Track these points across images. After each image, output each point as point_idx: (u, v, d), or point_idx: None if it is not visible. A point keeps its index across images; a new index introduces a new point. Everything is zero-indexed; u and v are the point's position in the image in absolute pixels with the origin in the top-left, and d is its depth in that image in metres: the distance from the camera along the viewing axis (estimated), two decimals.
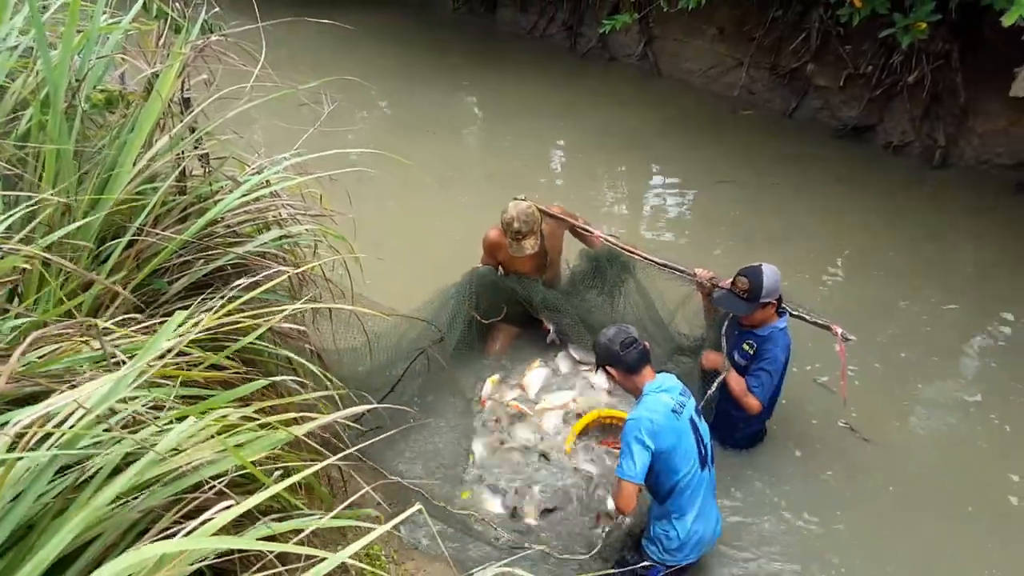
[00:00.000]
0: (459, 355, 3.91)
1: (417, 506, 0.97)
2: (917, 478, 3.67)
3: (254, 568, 0.93)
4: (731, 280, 3.44)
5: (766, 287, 3.27)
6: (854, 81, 7.20)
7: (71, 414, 0.82)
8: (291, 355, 1.77)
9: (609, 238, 3.93)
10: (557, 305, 3.96)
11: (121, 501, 0.92)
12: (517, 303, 4.04)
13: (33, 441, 0.79)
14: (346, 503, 0.98)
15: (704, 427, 2.97)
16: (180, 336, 0.90)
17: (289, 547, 0.75)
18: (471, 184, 6.30)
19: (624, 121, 7.74)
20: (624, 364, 2.93)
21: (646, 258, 3.83)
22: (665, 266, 3.76)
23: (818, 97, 7.56)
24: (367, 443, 1.13)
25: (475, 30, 10.43)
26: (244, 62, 1.78)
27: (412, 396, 3.61)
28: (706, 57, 8.43)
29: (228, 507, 0.80)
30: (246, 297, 1.40)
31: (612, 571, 2.98)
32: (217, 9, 1.74)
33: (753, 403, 3.38)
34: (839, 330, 3.40)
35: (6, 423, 0.75)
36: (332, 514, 0.89)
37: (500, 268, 4.07)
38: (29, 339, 0.81)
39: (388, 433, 1.23)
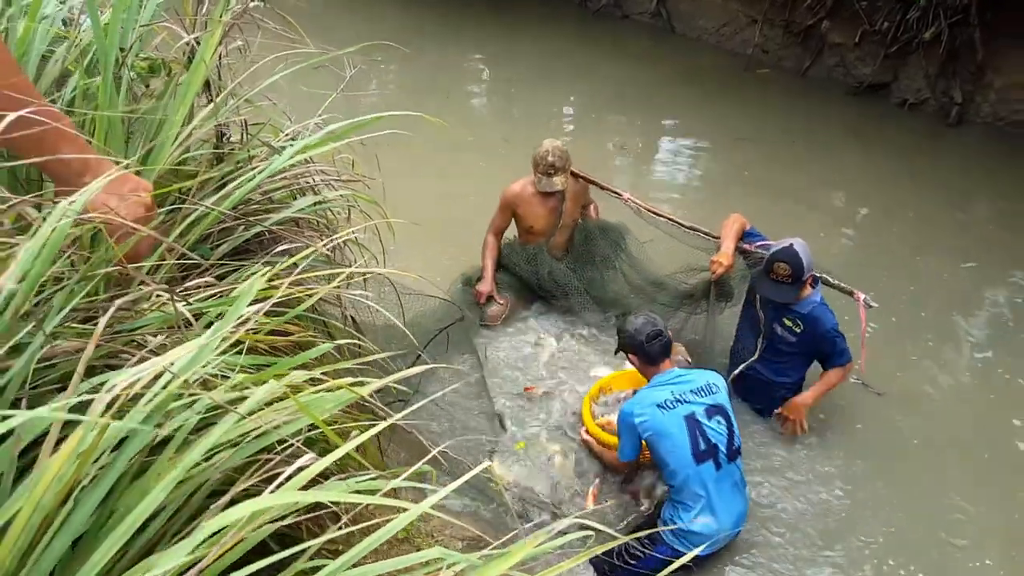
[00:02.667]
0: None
1: (486, 463, 0.99)
2: (932, 430, 3.72)
3: (323, 530, 0.96)
4: (762, 259, 3.42)
5: (806, 264, 3.24)
6: (869, 38, 7.10)
7: (157, 378, 0.84)
8: (329, 323, 1.79)
9: (635, 200, 3.92)
10: (564, 279, 3.97)
11: (201, 464, 0.94)
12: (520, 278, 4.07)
13: (117, 406, 0.81)
14: (412, 469, 1.00)
15: (715, 426, 2.90)
16: (259, 303, 0.92)
17: (377, 499, 0.78)
18: (486, 146, 6.26)
19: (638, 79, 7.65)
20: (645, 355, 3.04)
21: (672, 219, 3.81)
22: (692, 228, 3.75)
23: (833, 55, 7.46)
24: (410, 409, 1.15)
25: None
26: (279, 28, 1.78)
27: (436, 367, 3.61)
28: (720, 14, 8.30)
29: (307, 466, 0.83)
30: (288, 262, 1.42)
31: (616, 535, 3.04)
32: None
33: (847, 368, 3.45)
34: (862, 296, 3.38)
35: (102, 384, 0.78)
36: (406, 474, 0.91)
37: (514, 221, 4.09)
38: (113, 307, 0.83)
39: (423, 401, 1.25)
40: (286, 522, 0.95)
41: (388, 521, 0.86)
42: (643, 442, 2.95)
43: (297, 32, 1.72)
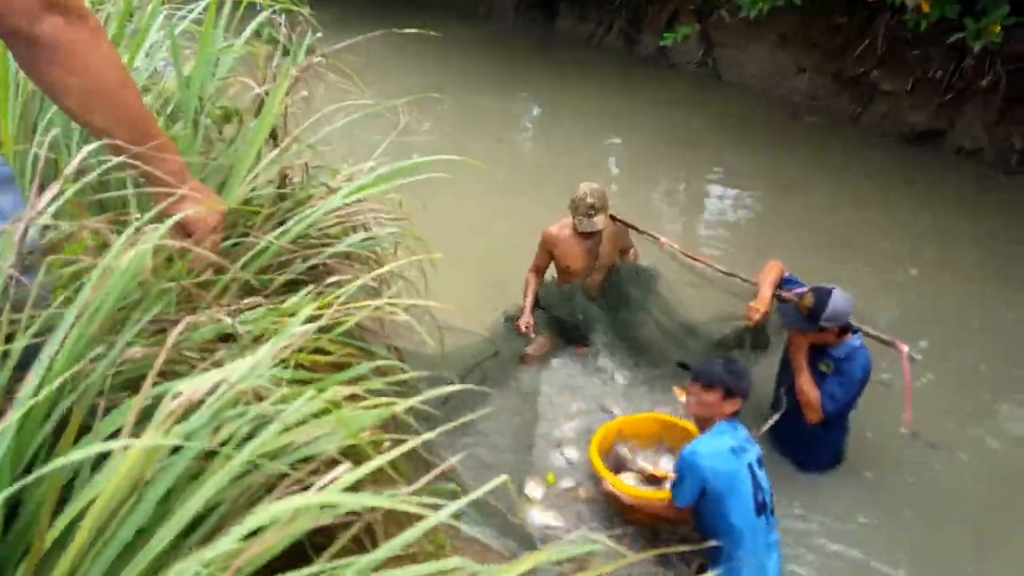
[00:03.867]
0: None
1: (503, 477, 1.07)
2: (987, 485, 3.60)
3: (349, 534, 1.03)
4: (802, 290, 3.42)
5: (829, 311, 3.16)
6: (922, 86, 7.07)
7: (215, 388, 0.95)
8: (372, 347, 1.89)
9: (671, 245, 3.99)
10: (599, 320, 4.04)
11: (247, 470, 1.04)
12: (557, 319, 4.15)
13: (178, 415, 0.92)
14: (430, 475, 1.06)
15: (763, 476, 2.85)
16: (309, 324, 1.03)
17: (398, 504, 0.85)
18: (534, 189, 6.41)
19: (683, 125, 7.76)
20: (738, 389, 2.87)
21: (708, 264, 3.86)
22: (728, 274, 3.79)
23: (884, 103, 7.44)
24: (442, 428, 1.24)
25: (536, 40, 10.60)
26: (342, 81, 1.94)
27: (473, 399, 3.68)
28: (768, 63, 8.38)
29: (343, 474, 0.92)
30: (340, 292, 1.53)
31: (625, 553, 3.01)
32: (320, 34, 1.90)
33: (813, 403, 3.30)
34: (905, 348, 3.30)
35: (164, 393, 0.88)
36: (421, 481, 0.99)
37: (552, 262, 4.19)
38: (182, 324, 0.95)
39: (454, 423, 1.33)
40: (320, 524, 1.02)
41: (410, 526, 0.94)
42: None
43: (356, 83, 1.87)
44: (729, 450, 2.77)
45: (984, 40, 5.64)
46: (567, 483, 3.43)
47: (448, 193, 5.76)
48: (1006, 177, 6.44)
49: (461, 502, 0.92)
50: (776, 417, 3.33)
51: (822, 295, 3.21)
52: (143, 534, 0.94)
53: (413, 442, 1.05)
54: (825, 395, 3.32)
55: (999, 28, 5.55)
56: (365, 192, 2.01)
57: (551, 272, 4.30)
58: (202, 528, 1.02)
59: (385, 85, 2.27)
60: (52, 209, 0.91)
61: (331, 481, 0.88)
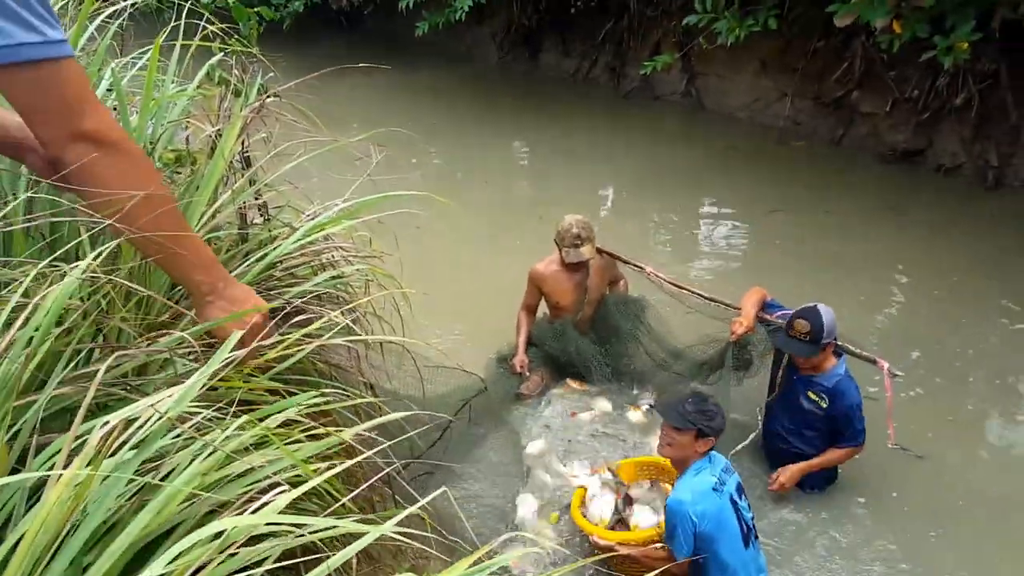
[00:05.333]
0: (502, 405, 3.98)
1: (442, 489, 1.07)
2: (977, 494, 3.59)
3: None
4: (785, 312, 3.46)
5: (827, 327, 3.22)
6: (901, 106, 7.17)
7: (147, 420, 0.96)
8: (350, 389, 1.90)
9: (656, 274, 4.01)
10: (588, 355, 4.04)
11: (191, 502, 1.05)
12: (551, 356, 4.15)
13: (115, 445, 0.93)
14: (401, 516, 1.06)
15: (744, 504, 2.85)
16: (237, 352, 1.05)
17: (348, 526, 0.86)
18: (520, 228, 6.46)
19: (671, 157, 7.85)
20: (710, 429, 2.79)
21: (693, 291, 3.88)
22: (712, 300, 3.81)
23: (865, 124, 7.54)
24: (408, 461, 1.24)
25: (519, 77, 10.78)
26: (299, 120, 1.98)
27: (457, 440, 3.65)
28: (750, 90, 8.51)
29: (284, 491, 0.93)
30: (302, 331, 1.54)
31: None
32: (272, 74, 1.95)
33: (848, 455, 3.45)
34: (886, 365, 3.33)
35: (92, 428, 0.90)
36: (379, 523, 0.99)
37: (543, 299, 4.20)
38: (111, 358, 0.97)
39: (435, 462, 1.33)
40: (269, 554, 1.02)
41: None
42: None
43: (313, 121, 1.91)
44: (711, 489, 2.73)
45: (954, 57, 5.73)
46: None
47: (436, 236, 5.84)
48: (985, 193, 6.49)
49: (396, 518, 0.93)
50: (752, 437, 3.41)
51: (811, 314, 3.25)
52: (85, 567, 0.94)
53: (347, 464, 1.06)
54: (854, 436, 3.39)
55: (967, 45, 5.65)
56: (330, 229, 2.04)
57: (543, 310, 4.31)
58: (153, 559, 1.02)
59: (360, 130, 2.31)
60: None
61: (262, 506, 0.89)
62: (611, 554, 2.89)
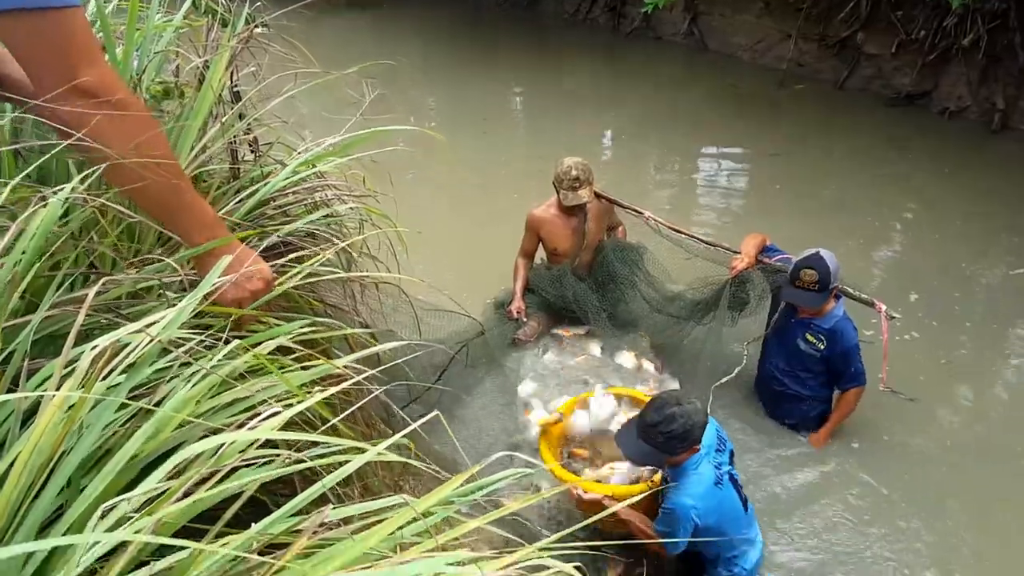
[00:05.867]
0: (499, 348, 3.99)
1: (435, 413, 1.08)
2: (967, 438, 3.65)
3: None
4: (785, 256, 3.45)
5: (833, 272, 3.22)
6: (907, 47, 7.03)
7: (138, 345, 0.96)
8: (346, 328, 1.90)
9: (656, 219, 3.98)
10: (585, 300, 4.03)
11: (185, 427, 1.06)
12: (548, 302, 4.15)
13: (106, 370, 0.93)
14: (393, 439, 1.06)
15: (737, 473, 2.75)
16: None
17: (343, 442, 0.87)
18: (518, 172, 6.41)
19: (672, 99, 7.74)
20: (682, 446, 2.49)
21: (692, 236, 3.86)
22: (711, 244, 3.79)
23: (870, 66, 7.40)
24: (423, 420, 1.24)
25: (520, 20, 10.54)
26: (289, 53, 1.94)
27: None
28: (753, 31, 8.34)
29: (277, 413, 0.94)
30: (301, 270, 1.53)
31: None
32: (260, 3, 1.90)
33: (859, 392, 3.47)
34: (883, 308, 3.33)
35: (82, 354, 0.90)
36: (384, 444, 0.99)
37: (541, 244, 4.18)
38: (100, 283, 0.96)
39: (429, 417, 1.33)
40: (270, 476, 1.03)
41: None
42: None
43: (302, 53, 1.87)
44: (713, 484, 2.56)
45: None
46: None
47: (432, 180, 5.79)
48: (991, 136, 6.41)
49: (388, 442, 0.94)
50: (737, 371, 3.47)
51: (817, 263, 3.23)
52: (81, 489, 0.96)
53: (341, 387, 1.07)
54: (857, 376, 3.42)
55: None
56: (322, 166, 2.01)
57: (541, 256, 4.30)
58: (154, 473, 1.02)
59: (355, 63, 2.26)
60: None
61: (259, 423, 0.90)
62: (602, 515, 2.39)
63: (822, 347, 3.41)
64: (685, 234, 3.88)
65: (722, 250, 3.73)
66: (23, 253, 0.89)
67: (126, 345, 0.94)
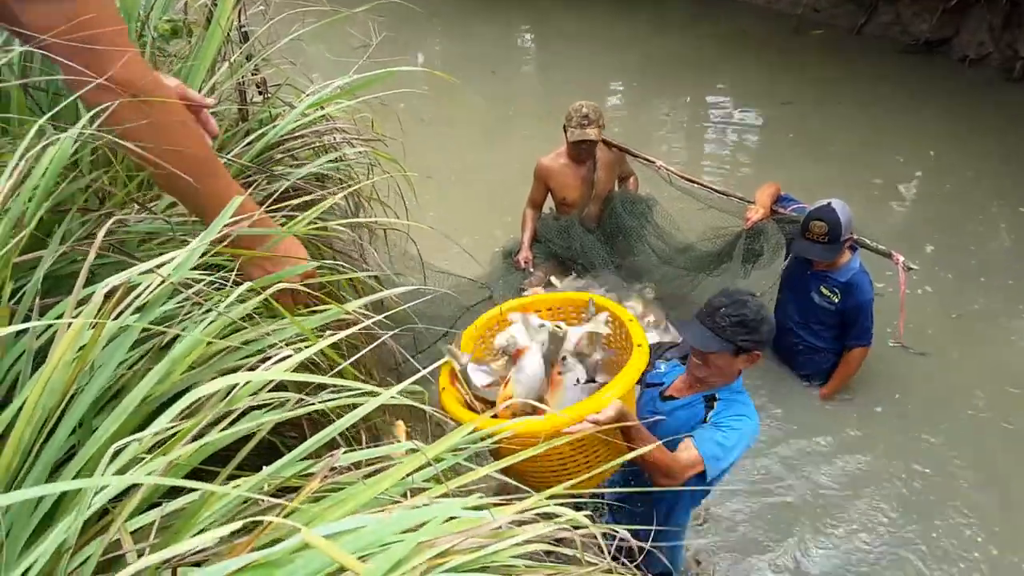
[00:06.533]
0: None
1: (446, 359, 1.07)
2: (974, 389, 3.64)
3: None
4: (800, 206, 3.40)
5: (844, 224, 3.14)
6: None
7: (149, 286, 0.95)
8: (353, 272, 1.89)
9: (668, 168, 3.92)
10: (593, 251, 4.00)
11: (196, 369, 1.06)
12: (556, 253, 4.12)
13: (117, 309, 0.92)
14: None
15: None
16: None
17: (353, 384, 0.86)
18: (526, 119, 6.31)
19: (682, 45, 7.56)
20: (753, 343, 2.11)
21: (705, 186, 3.81)
22: (725, 194, 3.74)
23: (888, 12, 7.20)
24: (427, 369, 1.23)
25: None
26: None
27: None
28: None
29: (288, 357, 0.93)
30: (310, 215, 1.52)
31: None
32: None
33: (860, 356, 3.47)
34: (901, 259, 3.28)
35: (94, 293, 0.89)
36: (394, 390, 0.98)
37: (549, 194, 4.13)
38: (110, 221, 0.95)
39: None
40: (283, 418, 1.02)
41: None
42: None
43: None
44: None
45: None
46: None
47: (440, 126, 5.71)
48: (1011, 85, 6.26)
49: (401, 386, 0.94)
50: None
51: (827, 214, 3.17)
52: (93, 428, 0.96)
53: (352, 330, 1.06)
54: (865, 333, 3.40)
55: None
56: (330, 109, 1.98)
57: (549, 205, 4.25)
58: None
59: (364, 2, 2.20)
60: None
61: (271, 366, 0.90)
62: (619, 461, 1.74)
63: (836, 300, 3.37)
64: (697, 184, 3.83)
65: (735, 200, 3.68)
66: (35, 190, 0.88)
67: (136, 286, 0.93)
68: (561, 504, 0.95)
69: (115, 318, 0.91)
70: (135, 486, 0.83)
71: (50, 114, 0.96)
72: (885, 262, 3.45)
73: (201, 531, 0.89)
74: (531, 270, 4.06)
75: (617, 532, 0.92)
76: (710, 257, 3.71)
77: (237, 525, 0.67)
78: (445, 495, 0.93)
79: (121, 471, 0.79)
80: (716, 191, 3.77)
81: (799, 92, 6.40)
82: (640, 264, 4.10)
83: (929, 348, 3.80)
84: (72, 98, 0.93)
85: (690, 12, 8.37)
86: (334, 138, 2.16)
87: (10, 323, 0.90)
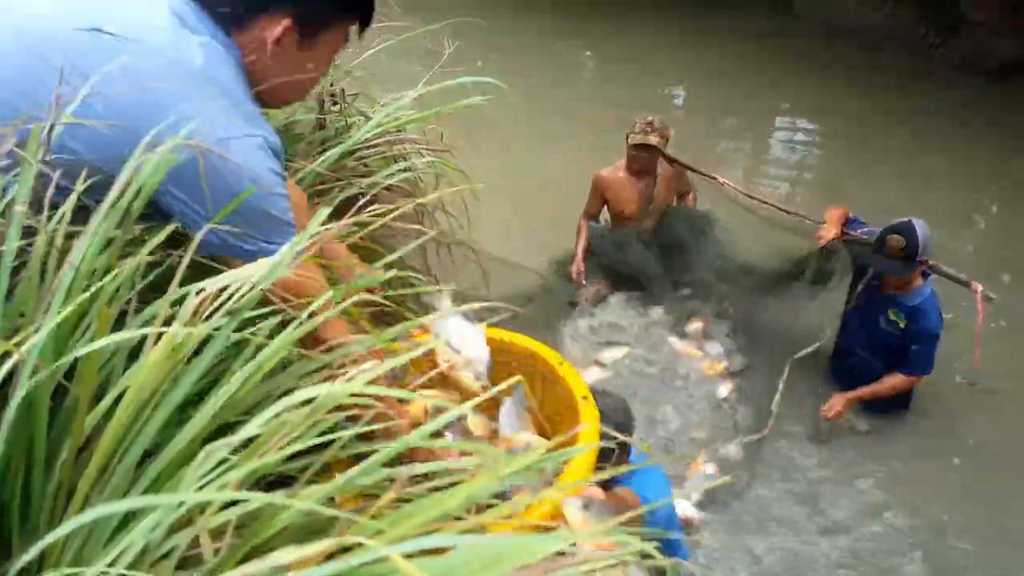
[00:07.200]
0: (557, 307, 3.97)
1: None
2: None
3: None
4: (869, 230, 3.33)
5: (922, 243, 3.06)
6: (1017, 14, 6.56)
7: (238, 290, 0.99)
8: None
9: (731, 184, 3.88)
10: (651, 267, 3.97)
11: (277, 374, 1.09)
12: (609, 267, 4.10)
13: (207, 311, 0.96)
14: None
15: None
16: (333, 223, 1.07)
17: (425, 399, 0.88)
18: (583, 131, 6.28)
19: (751, 60, 7.45)
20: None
21: (770, 204, 3.75)
22: (792, 213, 3.68)
23: (970, 34, 6.96)
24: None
25: None
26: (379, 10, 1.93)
27: None
28: None
29: (372, 367, 0.96)
30: (382, 222, 1.55)
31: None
32: None
33: (905, 383, 3.31)
34: (980, 288, 3.16)
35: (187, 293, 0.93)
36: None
37: (605, 206, 4.12)
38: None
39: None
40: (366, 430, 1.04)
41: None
42: None
43: (393, 8, 1.86)
44: None
45: None
46: None
47: (497, 136, 5.73)
48: None
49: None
50: (812, 348, 3.30)
51: (906, 230, 3.09)
52: (179, 424, 1.00)
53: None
54: (917, 364, 3.26)
55: None
56: (404, 122, 2.02)
57: (604, 217, 4.24)
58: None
59: (434, 16, 2.24)
60: None
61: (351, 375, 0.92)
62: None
63: (903, 325, 3.26)
64: (764, 202, 3.77)
65: (802, 220, 3.60)
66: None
67: (224, 288, 0.97)
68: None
69: (207, 317, 0.95)
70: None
71: None
72: (958, 292, 3.32)
73: (280, 531, 0.92)
74: (583, 282, 4.05)
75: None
76: (775, 276, 3.62)
77: (318, 548, 0.68)
78: (509, 516, 0.94)
79: (211, 471, 0.82)
80: (782, 209, 3.71)
81: (872, 113, 6.25)
82: (697, 281, 4.04)
83: (1001, 385, 3.64)
84: None
85: (761, 27, 8.24)
86: (404, 148, 2.21)
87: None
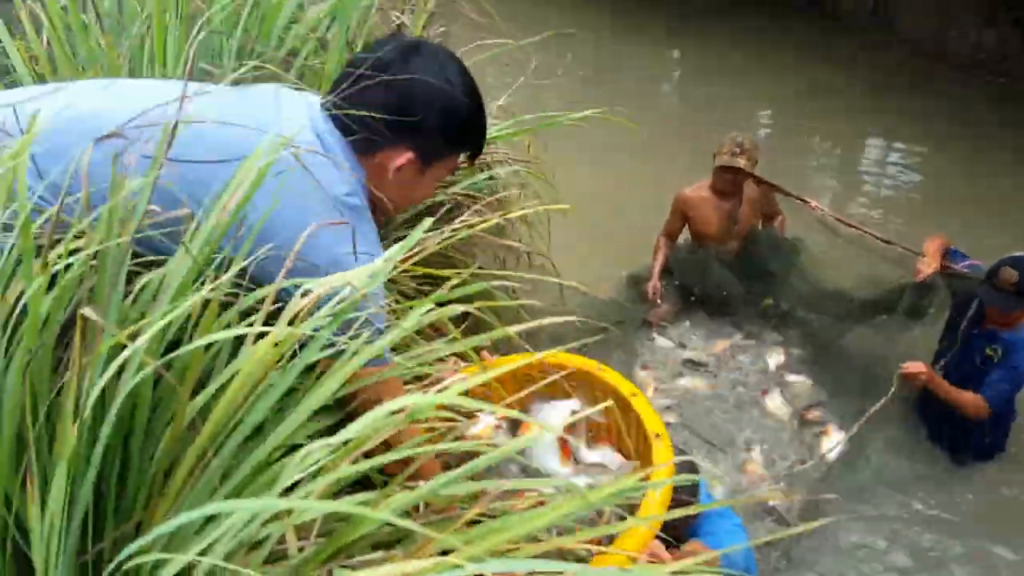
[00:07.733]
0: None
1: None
2: None
3: None
4: (971, 263, 3.17)
5: None
6: None
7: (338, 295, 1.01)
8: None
9: (822, 208, 3.76)
10: (732, 289, 3.87)
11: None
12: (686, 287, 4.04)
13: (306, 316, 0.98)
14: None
15: None
16: (431, 232, 1.09)
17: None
18: (668, 147, 6.20)
19: (842, 82, 7.20)
20: None
21: (865, 231, 3.61)
22: (887, 242, 3.53)
23: None
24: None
25: None
26: (481, 17, 1.96)
27: None
28: (943, 14, 7.57)
29: (464, 378, 0.96)
30: (472, 230, 1.57)
31: None
32: None
33: (981, 406, 3.02)
34: None
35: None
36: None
37: (686, 226, 4.04)
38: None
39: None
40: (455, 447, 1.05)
41: None
42: None
43: (494, 20, 1.89)
44: None
45: None
46: None
47: (584, 148, 5.70)
48: None
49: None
50: (887, 398, 3.03)
51: (1021, 264, 2.90)
52: (275, 420, 1.03)
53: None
54: (992, 391, 3.03)
55: None
56: (497, 136, 2.04)
57: (684, 237, 4.16)
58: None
59: (523, 27, 2.25)
60: None
61: (445, 386, 0.93)
62: None
63: (996, 359, 3.06)
64: (855, 227, 3.63)
65: (898, 249, 3.45)
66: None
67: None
68: None
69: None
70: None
71: None
72: None
73: (362, 537, 0.93)
74: (659, 301, 3.98)
75: None
76: (865, 306, 3.47)
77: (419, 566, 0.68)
78: (593, 541, 0.92)
79: (308, 466, 0.84)
80: (877, 237, 3.56)
81: (973, 146, 5.94)
82: (779, 308, 3.92)
83: None
84: None
85: (856, 48, 7.98)
86: (489, 157, 2.23)
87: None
